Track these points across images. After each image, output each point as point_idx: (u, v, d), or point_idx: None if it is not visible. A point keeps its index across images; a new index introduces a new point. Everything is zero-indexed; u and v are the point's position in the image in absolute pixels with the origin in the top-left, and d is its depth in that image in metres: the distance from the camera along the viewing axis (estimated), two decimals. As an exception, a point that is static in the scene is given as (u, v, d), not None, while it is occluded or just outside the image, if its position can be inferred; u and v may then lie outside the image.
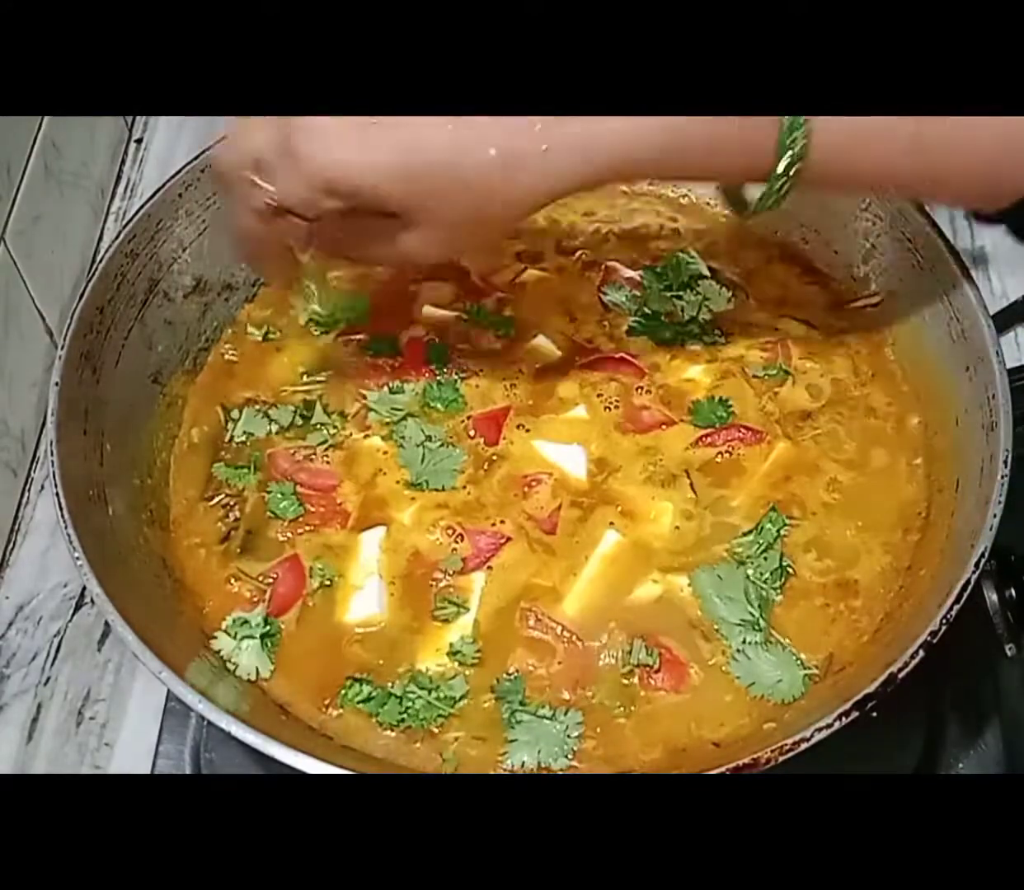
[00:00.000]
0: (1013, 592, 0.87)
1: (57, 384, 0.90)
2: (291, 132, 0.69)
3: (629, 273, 1.11)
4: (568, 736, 0.85)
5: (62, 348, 0.92)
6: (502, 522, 0.96)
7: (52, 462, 0.87)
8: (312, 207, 0.72)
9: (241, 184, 0.73)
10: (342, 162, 0.69)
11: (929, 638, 0.77)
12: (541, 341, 1.07)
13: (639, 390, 1.03)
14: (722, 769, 0.73)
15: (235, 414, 1.03)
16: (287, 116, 0.70)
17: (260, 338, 1.09)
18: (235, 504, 0.99)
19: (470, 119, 0.69)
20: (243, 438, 1.02)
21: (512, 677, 0.88)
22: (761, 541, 0.93)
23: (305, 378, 1.06)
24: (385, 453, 1.00)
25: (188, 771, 0.98)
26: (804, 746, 0.73)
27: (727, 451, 0.99)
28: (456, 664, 0.89)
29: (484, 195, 0.70)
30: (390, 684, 0.88)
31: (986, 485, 0.84)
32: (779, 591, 0.91)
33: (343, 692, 0.88)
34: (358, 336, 1.08)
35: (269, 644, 0.90)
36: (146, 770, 0.99)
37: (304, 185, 0.70)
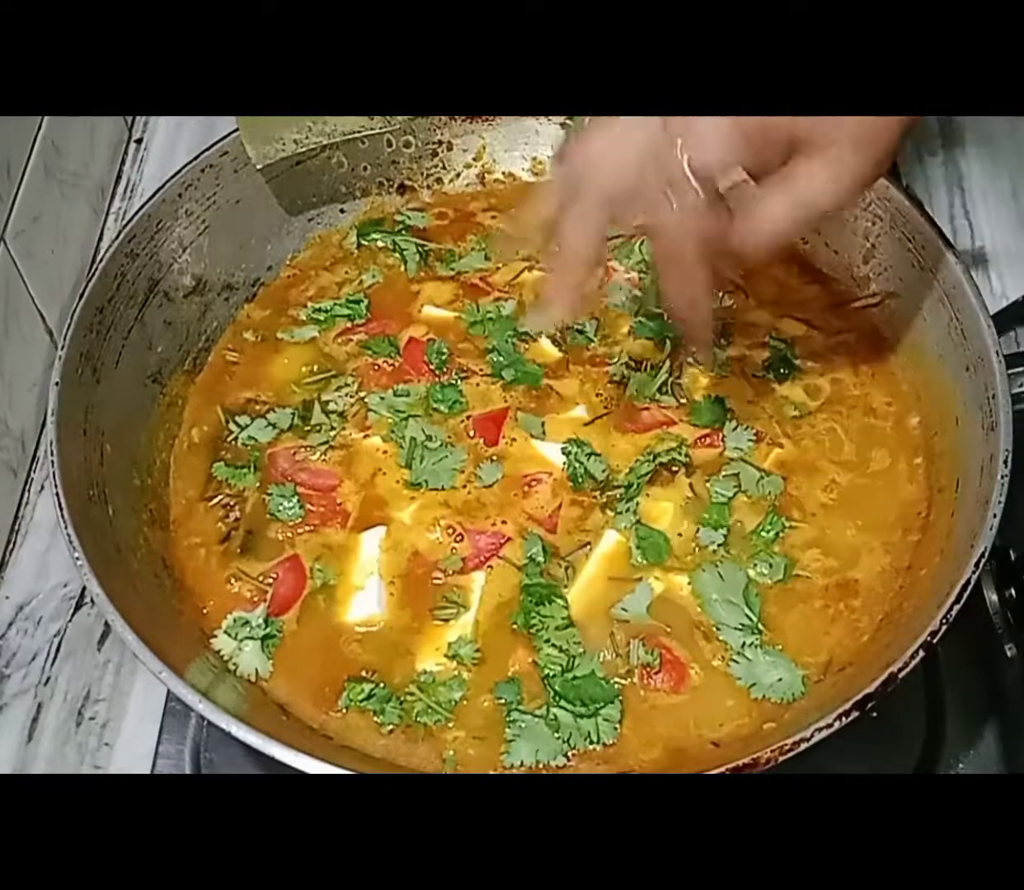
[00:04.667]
0: (1013, 592, 0.87)
1: (57, 384, 0.90)
2: (664, 121, 0.73)
3: (629, 273, 1.11)
4: (567, 736, 0.85)
5: (62, 348, 0.92)
6: (503, 522, 0.96)
7: (52, 462, 0.87)
8: (725, 159, 0.73)
9: (654, 179, 0.74)
10: (737, 114, 0.71)
11: (929, 638, 0.77)
12: (541, 341, 1.07)
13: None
14: (722, 769, 0.73)
15: (242, 420, 1.03)
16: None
17: (259, 338, 1.09)
18: (235, 504, 0.99)
19: None
20: (246, 441, 1.02)
21: (511, 677, 0.88)
22: (761, 541, 0.93)
23: (306, 378, 1.06)
24: (385, 453, 1.00)
25: (188, 771, 0.98)
26: (804, 746, 0.73)
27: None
28: (455, 664, 0.89)
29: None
30: (386, 684, 0.88)
31: (986, 485, 0.84)
32: (780, 590, 0.91)
33: (346, 692, 0.88)
34: (358, 336, 1.08)
35: (269, 644, 0.90)
36: (146, 770, 0.99)
37: (715, 137, 0.72)
